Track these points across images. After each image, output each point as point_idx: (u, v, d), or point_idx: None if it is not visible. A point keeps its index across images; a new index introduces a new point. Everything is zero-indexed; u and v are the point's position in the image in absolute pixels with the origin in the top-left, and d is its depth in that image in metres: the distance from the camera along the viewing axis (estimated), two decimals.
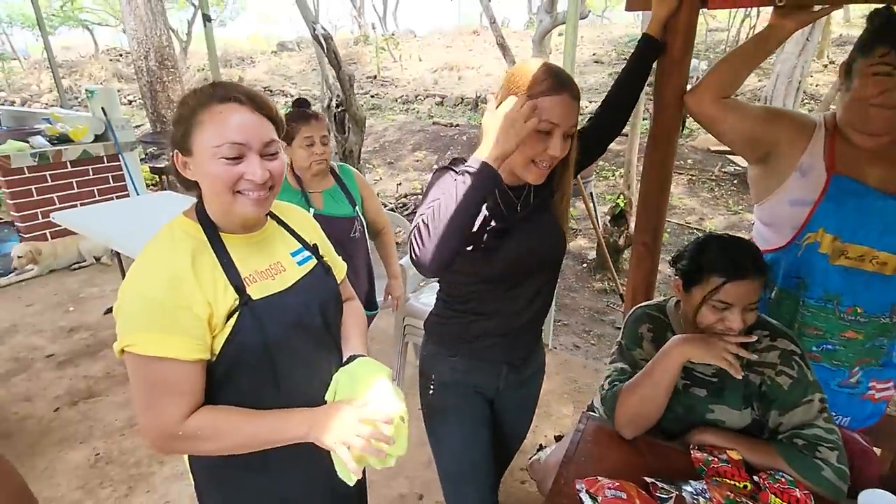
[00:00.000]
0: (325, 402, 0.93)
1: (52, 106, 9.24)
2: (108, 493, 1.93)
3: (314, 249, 1.02)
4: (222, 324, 0.82)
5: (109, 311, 3.30)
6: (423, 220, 0.91)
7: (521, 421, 1.39)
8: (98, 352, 2.86)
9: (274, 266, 0.92)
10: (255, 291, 0.86)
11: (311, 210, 1.70)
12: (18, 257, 3.63)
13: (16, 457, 2.09)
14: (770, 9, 1.16)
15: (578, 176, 1.16)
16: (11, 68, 15.50)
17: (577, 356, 3.01)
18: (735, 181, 6.04)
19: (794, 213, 1.19)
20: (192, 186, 0.87)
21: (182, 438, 0.81)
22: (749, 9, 10.90)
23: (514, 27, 17.98)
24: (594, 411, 1.26)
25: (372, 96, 12.22)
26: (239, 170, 0.80)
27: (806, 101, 7.41)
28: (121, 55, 15.73)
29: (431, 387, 1.27)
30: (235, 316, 0.82)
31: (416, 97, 12.08)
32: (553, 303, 2.62)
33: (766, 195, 1.26)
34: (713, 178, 6.17)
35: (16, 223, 3.86)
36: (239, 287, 0.84)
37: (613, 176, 6.37)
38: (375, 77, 13.67)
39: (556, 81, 0.95)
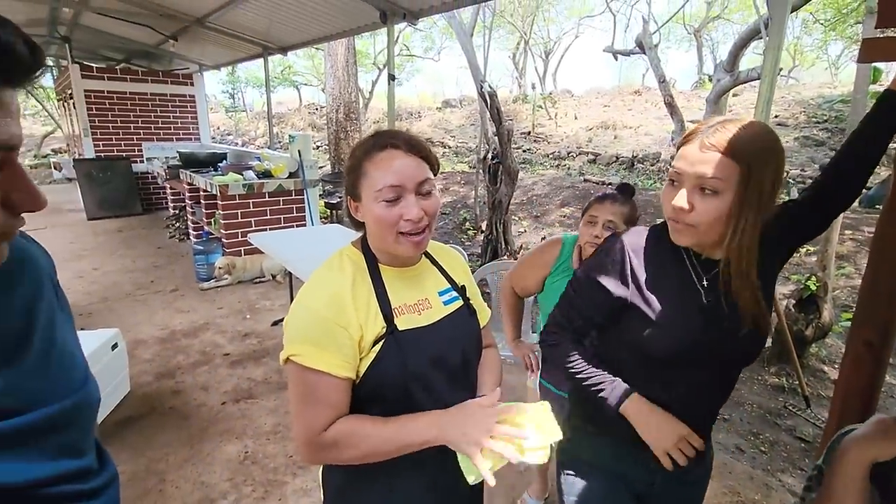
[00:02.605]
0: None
1: (263, 147, 11.35)
2: (248, 490, 2.10)
3: (462, 290, 1.04)
4: (368, 348, 0.87)
5: (275, 323, 3.75)
6: (569, 363, 1.04)
7: None
8: (261, 358, 3.24)
9: (422, 302, 0.95)
10: (402, 323, 0.90)
11: None
12: (219, 268, 4.43)
13: (188, 437, 2.42)
14: None
15: None
16: (240, 118, 19.88)
17: (740, 461, 2.50)
18: None
19: None
20: (360, 226, 0.97)
21: (324, 446, 0.86)
22: None
23: (681, 87, 17.14)
24: None
25: (524, 151, 12.54)
26: (397, 211, 0.86)
27: None
28: (316, 109, 18.91)
29: (571, 468, 1.13)
30: (381, 343, 0.87)
31: (569, 153, 12.07)
32: None
33: None
34: None
35: (223, 239, 4.71)
36: (388, 316, 0.88)
37: (798, 254, 5.44)
38: (529, 133, 14.05)
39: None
